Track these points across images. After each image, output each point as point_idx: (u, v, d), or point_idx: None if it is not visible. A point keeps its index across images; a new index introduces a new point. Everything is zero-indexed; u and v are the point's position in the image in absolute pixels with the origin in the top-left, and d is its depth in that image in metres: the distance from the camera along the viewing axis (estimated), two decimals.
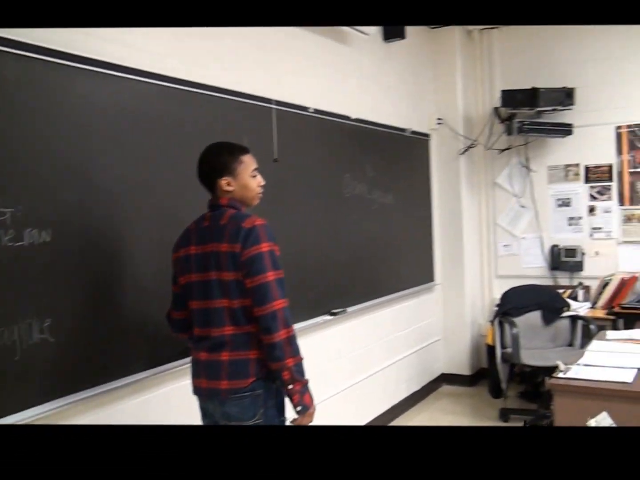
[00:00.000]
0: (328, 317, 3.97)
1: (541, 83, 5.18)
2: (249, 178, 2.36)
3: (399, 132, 4.96)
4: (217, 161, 2.33)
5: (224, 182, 2.32)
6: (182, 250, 2.38)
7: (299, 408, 2.21)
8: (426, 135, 5.47)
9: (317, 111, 3.92)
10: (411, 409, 5.04)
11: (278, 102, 3.56)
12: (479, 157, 5.73)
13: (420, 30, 5.39)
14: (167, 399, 2.89)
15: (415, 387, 5.19)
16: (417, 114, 5.34)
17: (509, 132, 5.39)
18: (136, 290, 2.71)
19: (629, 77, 5.17)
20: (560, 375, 2.96)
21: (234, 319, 2.25)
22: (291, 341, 2.20)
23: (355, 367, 4.37)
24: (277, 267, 2.23)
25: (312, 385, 2.27)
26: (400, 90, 5.09)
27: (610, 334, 3.76)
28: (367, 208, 4.48)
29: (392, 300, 4.80)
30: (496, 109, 5.50)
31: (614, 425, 2.73)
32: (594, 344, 3.53)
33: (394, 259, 4.84)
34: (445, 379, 5.62)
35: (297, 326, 3.28)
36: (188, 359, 2.46)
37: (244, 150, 2.38)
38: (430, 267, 5.47)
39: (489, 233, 5.78)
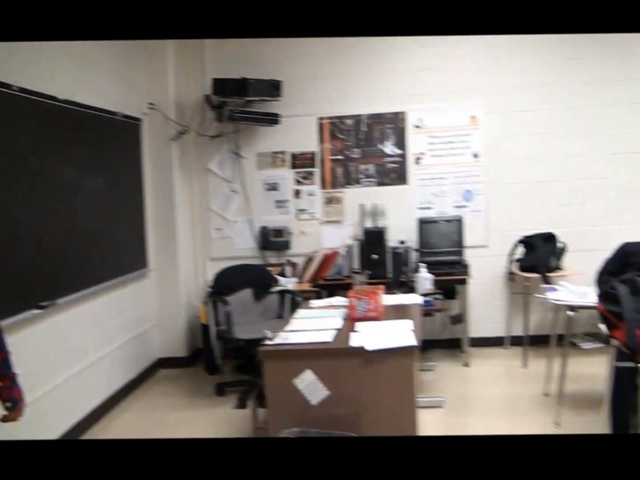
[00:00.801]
0: (36, 311, 3.71)
1: (251, 74, 5.43)
2: None
3: (110, 116, 4.81)
4: None
5: None
6: None
7: (8, 404, 2.12)
8: (138, 119, 5.39)
9: (21, 90, 3.63)
10: (130, 395, 4.96)
11: None
12: (191, 143, 5.81)
13: None
14: None
15: (133, 374, 5.12)
16: (129, 98, 5.22)
17: (219, 119, 5.56)
18: None
19: (330, 73, 5.68)
20: (268, 342, 3.18)
21: None
22: None
23: (70, 359, 4.16)
24: None
25: (24, 384, 2.16)
26: (111, 72, 4.94)
27: (314, 302, 4.12)
28: (76, 194, 4.28)
29: (106, 288, 4.66)
30: (207, 96, 5.63)
31: (318, 381, 3.02)
32: (299, 312, 3.85)
33: (107, 246, 4.70)
34: (162, 362, 5.62)
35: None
36: None
37: None
38: (143, 253, 5.41)
39: (202, 217, 5.91)
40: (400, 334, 3.19)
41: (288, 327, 3.44)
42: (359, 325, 3.38)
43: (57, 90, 4.05)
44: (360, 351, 3.00)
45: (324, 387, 3.03)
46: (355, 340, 3.11)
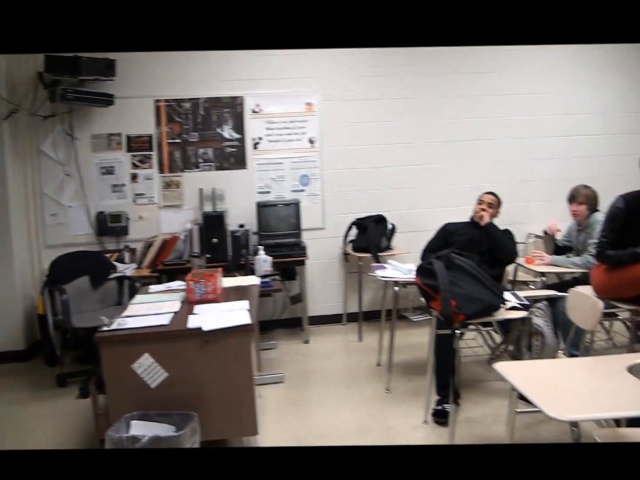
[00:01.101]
0: None
1: (84, 51, 5.26)
2: None
3: None
4: None
5: None
6: None
7: None
8: None
9: None
10: None
11: None
12: (24, 124, 5.51)
13: None
14: None
15: None
16: None
17: (52, 98, 5.34)
18: None
19: (166, 54, 5.60)
20: (105, 329, 3.18)
21: None
22: None
23: None
24: None
25: None
26: None
27: (152, 287, 4.14)
28: None
29: None
30: (40, 74, 5.38)
31: (156, 364, 3.08)
32: (137, 298, 3.85)
33: None
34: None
35: None
36: None
37: None
38: None
39: (35, 203, 5.66)
40: (236, 314, 3.31)
41: (125, 313, 3.45)
42: (197, 308, 3.46)
43: None
44: (197, 332, 3.09)
45: (162, 369, 3.09)
46: (193, 321, 3.19)
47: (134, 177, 5.73)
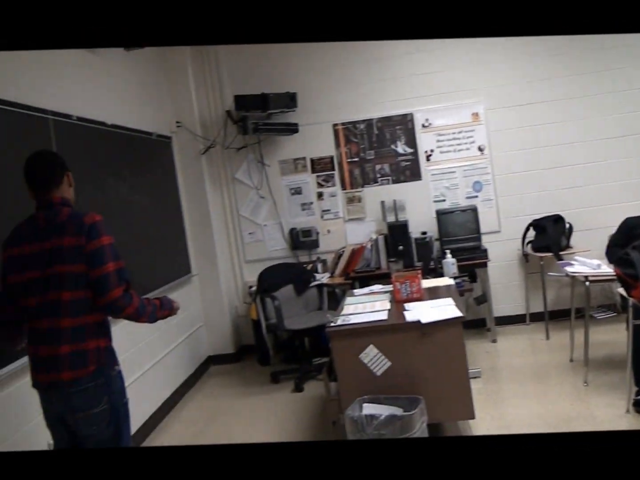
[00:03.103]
0: None
1: (269, 88, 5.89)
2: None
3: (146, 136, 5.23)
4: (56, 163, 2.57)
5: (66, 179, 2.56)
6: (14, 250, 2.47)
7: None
8: (168, 137, 5.81)
9: (79, 119, 4.04)
10: (190, 390, 5.40)
11: (39, 110, 3.59)
12: (219, 156, 6.23)
13: None
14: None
15: (190, 371, 5.53)
16: (160, 119, 5.65)
17: (243, 132, 6.00)
18: None
19: (340, 83, 6.16)
20: (332, 324, 3.61)
21: (73, 310, 2.39)
22: (139, 311, 2.52)
23: (134, 362, 4.49)
24: (117, 258, 2.47)
25: None
26: (143, 96, 5.36)
27: (357, 291, 4.56)
28: (129, 208, 4.69)
29: (157, 295, 5.02)
30: (228, 112, 6.07)
31: (380, 354, 3.46)
32: (348, 300, 4.28)
33: (154, 256, 5.06)
34: (213, 360, 6.06)
35: None
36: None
37: None
38: (186, 260, 5.83)
39: (234, 224, 6.34)
40: (446, 309, 3.63)
41: (343, 312, 3.87)
42: (407, 305, 3.82)
43: (106, 116, 4.48)
44: (416, 325, 3.43)
45: (386, 359, 3.46)
46: (410, 316, 3.54)
47: (319, 195, 6.26)
